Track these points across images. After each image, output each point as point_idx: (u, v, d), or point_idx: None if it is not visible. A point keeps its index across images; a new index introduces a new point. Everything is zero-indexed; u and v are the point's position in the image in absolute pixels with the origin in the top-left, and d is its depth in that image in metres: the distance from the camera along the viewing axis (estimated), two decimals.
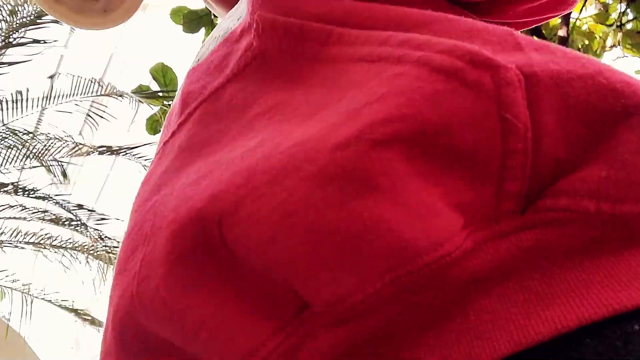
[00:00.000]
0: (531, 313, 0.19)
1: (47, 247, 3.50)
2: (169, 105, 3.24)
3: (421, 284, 0.20)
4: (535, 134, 0.20)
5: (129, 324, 0.24)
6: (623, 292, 0.18)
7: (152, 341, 0.24)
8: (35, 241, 3.47)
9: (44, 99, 3.28)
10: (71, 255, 3.50)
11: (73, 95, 3.28)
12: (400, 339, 0.20)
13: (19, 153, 3.27)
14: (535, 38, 0.24)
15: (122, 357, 0.25)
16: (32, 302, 3.57)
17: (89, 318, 3.70)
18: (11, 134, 3.20)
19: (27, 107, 3.24)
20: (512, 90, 0.21)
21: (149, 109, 3.28)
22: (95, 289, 3.47)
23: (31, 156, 3.29)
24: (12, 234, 3.42)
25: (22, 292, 3.64)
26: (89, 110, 3.50)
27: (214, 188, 0.22)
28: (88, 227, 3.43)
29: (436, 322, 0.20)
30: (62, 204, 3.47)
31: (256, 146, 0.23)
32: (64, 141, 3.26)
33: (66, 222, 3.44)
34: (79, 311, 3.69)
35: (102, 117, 3.49)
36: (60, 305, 3.65)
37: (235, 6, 0.35)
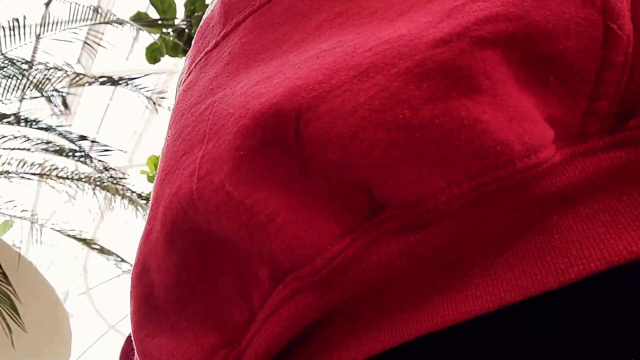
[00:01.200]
0: (621, 233, 0.18)
1: (52, 177, 3.52)
2: (168, 33, 3.17)
3: (508, 193, 0.19)
4: (636, 48, 0.20)
5: (184, 220, 0.23)
6: None
7: (205, 237, 0.23)
8: (41, 172, 3.48)
9: (41, 27, 3.20)
10: (77, 186, 3.53)
11: (70, 22, 3.19)
12: (472, 254, 0.20)
13: (19, 83, 3.22)
14: None
15: (171, 253, 0.24)
16: (40, 231, 3.64)
17: (97, 247, 3.78)
18: (9, 64, 3.14)
19: (24, 35, 3.16)
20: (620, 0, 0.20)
21: (147, 38, 3.21)
22: (102, 218, 3.52)
23: (31, 86, 3.25)
24: (17, 165, 3.43)
25: (31, 222, 3.70)
26: (86, 38, 3.42)
27: (290, 84, 0.21)
28: (92, 159, 3.43)
29: (515, 240, 0.19)
30: (65, 135, 3.46)
31: (334, 47, 0.22)
32: (64, 71, 3.20)
33: (70, 154, 3.44)
34: (87, 240, 3.76)
35: (100, 44, 3.42)
36: (68, 235, 3.72)
37: None
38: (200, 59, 0.29)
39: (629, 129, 0.20)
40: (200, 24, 0.33)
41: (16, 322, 3.31)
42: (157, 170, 0.27)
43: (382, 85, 0.19)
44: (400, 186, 0.19)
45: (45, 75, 3.19)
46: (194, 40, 0.33)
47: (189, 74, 0.30)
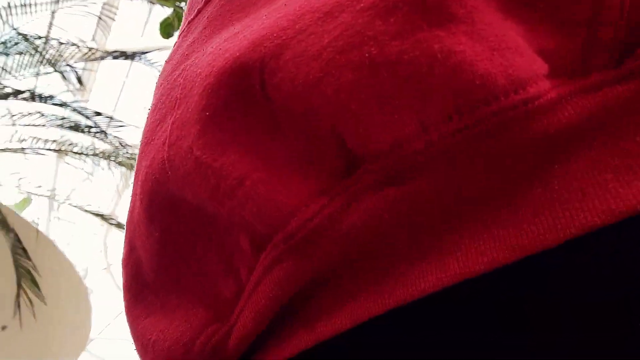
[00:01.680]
0: (631, 180, 0.16)
1: (68, 153, 3.55)
2: (182, 7, 3.14)
3: (495, 137, 0.17)
4: None
5: (159, 191, 0.22)
6: None
7: (181, 208, 0.22)
8: (57, 148, 3.50)
9: (54, 3, 3.19)
10: (93, 162, 3.55)
11: None
12: (461, 211, 0.17)
13: (33, 59, 3.22)
14: None
15: (151, 229, 0.23)
16: (58, 208, 3.68)
17: (115, 222, 3.81)
18: (22, 39, 3.14)
19: (36, 11, 3.16)
20: None
21: (161, 12, 3.18)
22: (120, 195, 3.55)
23: (44, 62, 3.25)
24: (32, 141, 3.46)
25: (49, 198, 3.74)
26: (101, 14, 3.41)
27: (255, 35, 0.20)
28: (107, 135, 3.44)
29: (510, 192, 0.17)
30: (80, 111, 3.47)
31: None
32: (77, 46, 3.20)
33: (85, 130, 3.46)
34: (104, 216, 3.80)
35: (113, 19, 3.41)
36: (86, 211, 3.75)
37: None
38: (183, 30, 0.28)
39: (635, 58, 0.17)
40: None
41: (37, 296, 3.37)
42: None
43: (347, 24, 0.18)
44: (370, 133, 0.18)
45: (58, 50, 3.18)
46: (184, 12, 0.31)
47: (175, 44, 0.29)
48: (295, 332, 0.20)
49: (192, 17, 0.28)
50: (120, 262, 0.25)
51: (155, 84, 0.27)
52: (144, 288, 0.24)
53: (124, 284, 0.25)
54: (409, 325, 0.18)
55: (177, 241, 0.22)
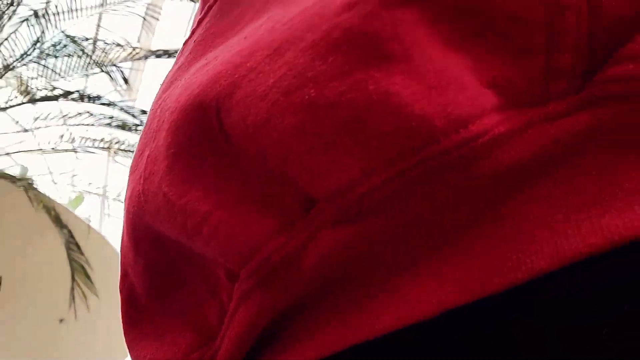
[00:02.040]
0: (581, 220, 0.15)
1: (117, 151, 3.66)
2: None
3: (438, 179, 0.16)
4: None
5: (139, 224, 0.23)
6: None
7: (161, 239, 0.22)
8: (106, 147, 3.62)
9: (100, 6, 3.29)
10: None
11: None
12: (416, 247, 0.17)
13: (80, 61, 3.34)
14: None
15: (137, 257, 0.23)
16: (109, 205, 3.80)
17: None
18: (71, 42, 3.26)
19: (83, 15, 3.27)
20: None
21: None
22: None
23: (92, 64, 3.36)
24: (82, 140, 3.59)
25: (100, 195, 3.87)
26: (145, 14, 3.50)
27: (214, 71, 0.20)
28: None
29: (461, 229, 0.16)
30: (127, 110, 3.57)
31: (262, 23, 0.21)
32: (121, 46, 3.30)
33: (133, 128, 3.56)
34: None
35: (157, 19, 3.49)
36: None
37: None
38: (181, 49, 0.28)
39: (597, 83, 0.16)
40: None
41: (90, 289, 3.51)
42: None
43: (291, 64, 0.18)
44: (318, 176, 0.17)
45: (104, 51, 3.29)
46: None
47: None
48: (275, 357, 0.20)
49: (187, 38, 0.28)
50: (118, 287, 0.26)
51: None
52: (138, 312, 0.24)
53: (121, 308, 0.26)
54: (390, 353, 0.18)
55: (162, 269, 0.23)
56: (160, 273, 0.23)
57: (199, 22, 0.27)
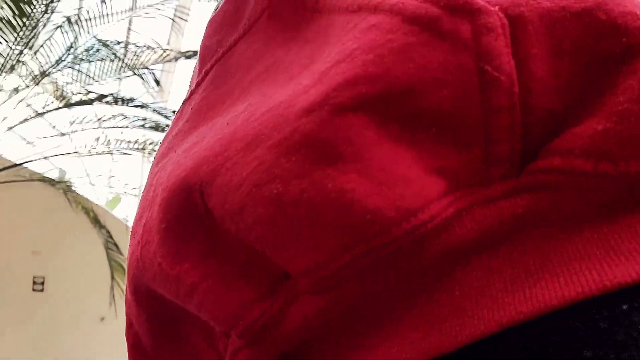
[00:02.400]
0: (516, 290, 0.17)
1: (151, 152, 3.72)
2: None
3: (397, 259, 0.19)
4: (524, 86, 0.18)
5: (139, 284, 0.25)
6: (621, 266, 0.17)
7: (160, 299, 0.24)
8: (140, 148, 3.69)
9: (130, 10, 3.35)
10: None
11: (159, 3, 3.33)
12: (382, 312, 0.20)
13: (113, 64, 3.41)
14: None
15: (139, 311, 0.26)
16: None
17: None
18: (103, 46, 3.32)
19: (113, 19, 3.33)
20: (494, 37, 0.18)
21: None
22: None
23: (124, 67, 3.42)
24: (117, 143, 3.66)
25: (137, 195, 3.95)
26: (174, 16, 3.54)
27: (199, 155, 0.22)
28: None
29: (419, 298, 0.19)
30: (159, 112, 3.63)
31: (242, 111, 0.23)
32: (152, 49, 3.35)
33: (166, 129, 3.61)
34: None
35: (186, 20, 3.53)
36: None
37: None
38: (180, 108, 0.30)
39: (531, 172, 0.18)
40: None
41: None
42: None
43: (261, 159, 0.20)
44: (288, 257, 0.20)
45: (136, 54, 3.34)
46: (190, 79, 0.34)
47: (172, 121, 0.31)
48: None
49: (187, 97, 0.30)
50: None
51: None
52: (143, 358, 0.27)
53: (127, 353, 0.28)
54: None
55: (163, 322, 0.25)
56: (162, 325, 0.25)
57: (197, 85, 0.29)
